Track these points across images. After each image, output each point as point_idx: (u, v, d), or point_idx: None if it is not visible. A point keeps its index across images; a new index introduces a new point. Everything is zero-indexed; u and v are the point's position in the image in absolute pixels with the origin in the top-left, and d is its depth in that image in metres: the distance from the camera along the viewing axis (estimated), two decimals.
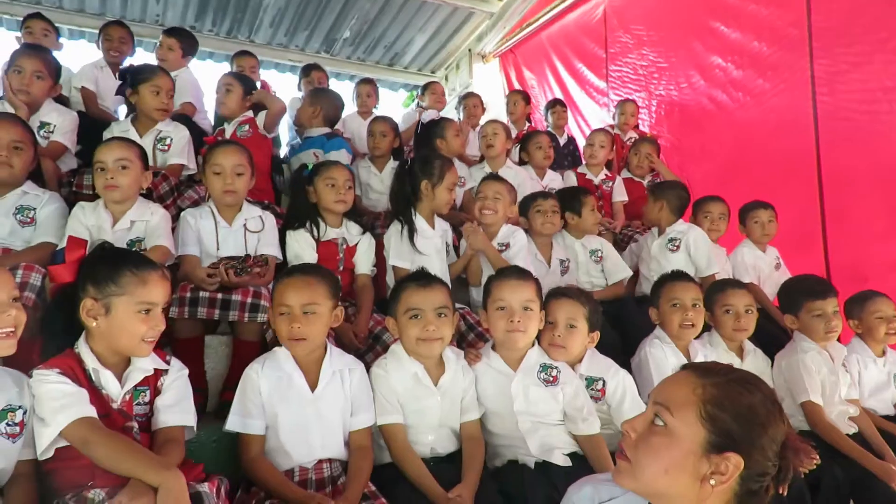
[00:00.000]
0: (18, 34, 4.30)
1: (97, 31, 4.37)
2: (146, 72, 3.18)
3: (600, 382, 2.28)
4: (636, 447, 1.18)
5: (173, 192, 3.02)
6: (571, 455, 2.06)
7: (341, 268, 2.73)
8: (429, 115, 4.97)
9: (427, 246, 2.87)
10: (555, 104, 5.45)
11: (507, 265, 2.78)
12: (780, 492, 1.13)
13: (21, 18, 4.59)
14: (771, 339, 2.95)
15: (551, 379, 2.16)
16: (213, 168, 2.56)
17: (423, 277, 2.12)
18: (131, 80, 3.13)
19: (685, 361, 2.44)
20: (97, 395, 1.61)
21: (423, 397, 2.06)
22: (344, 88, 6.59)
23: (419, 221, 2.89)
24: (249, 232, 2.62)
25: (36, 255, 2.31)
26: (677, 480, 1.13)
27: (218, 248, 2.54)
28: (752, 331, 2.74)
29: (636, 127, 5.22)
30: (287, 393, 1.91)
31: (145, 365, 1.72)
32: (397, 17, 6.67)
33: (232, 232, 2.59)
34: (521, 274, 2.23)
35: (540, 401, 2.12)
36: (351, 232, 2.82)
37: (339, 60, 7.26)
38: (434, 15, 6.73)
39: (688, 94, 4.98)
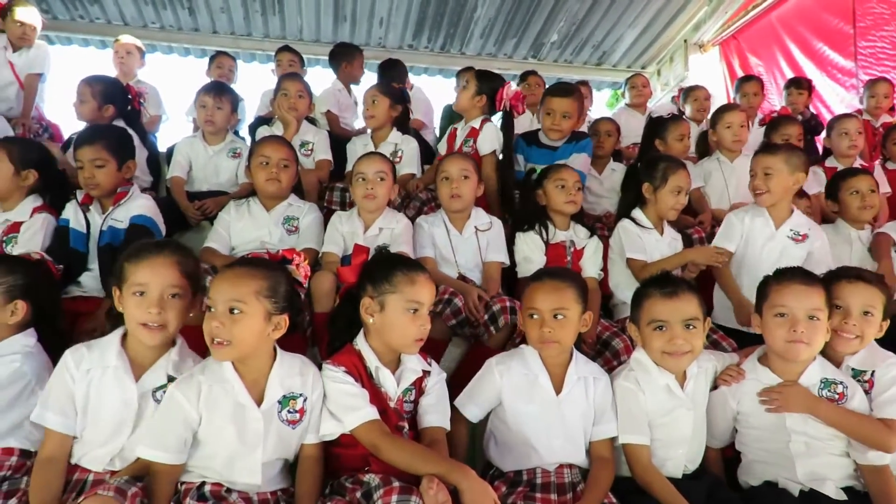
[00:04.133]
0: (273, 66, 4.97)
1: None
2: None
3: (867, 374, 1.95)
4: None
5: (404, 200, 3.26)
6: (847, 489, 1.80)
7: None
8: (661, 109, 4.72)
9: (654, 248, 2.73)
10: (799, 84, 4.86)
11: None
12: None
13: (271, 53, 5.32)
14: None
15: (836, 397, 1.87)
16: (441, 175, 2.72)
17: (668, 284, 1.93)
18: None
19: None
20: (376, 393, 1.76)
21: (675, 409, 1.94)
22: None
23: (643, 221, 2.78)
24: (480, 233, 2.71)
25: None
26: None
27: (455, 255, 2.67)
28: None
29: (891, 110, 4.48)
30: (532, 393, 1.92)
31: (415, 366, 1.85)
32: (607, 15, 6.48)
33: (463, 239, 2.71)
34: (807, 277, 1.94)
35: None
36: (578, 235, 2.80)
37: (547, 64, 7.22)
38: (646, 7, 6.40)
39: None
